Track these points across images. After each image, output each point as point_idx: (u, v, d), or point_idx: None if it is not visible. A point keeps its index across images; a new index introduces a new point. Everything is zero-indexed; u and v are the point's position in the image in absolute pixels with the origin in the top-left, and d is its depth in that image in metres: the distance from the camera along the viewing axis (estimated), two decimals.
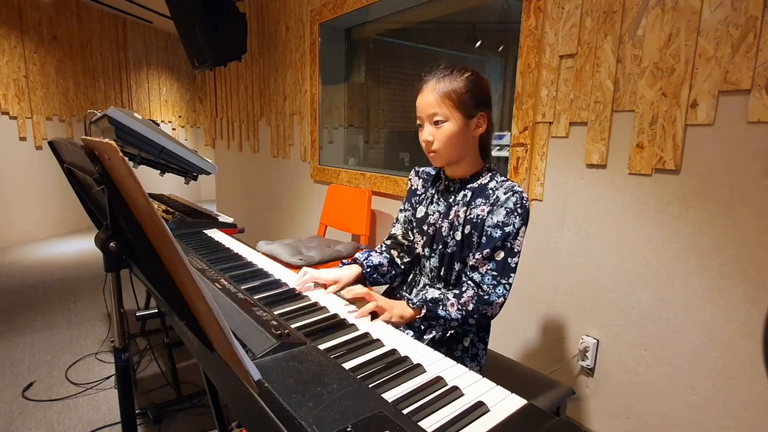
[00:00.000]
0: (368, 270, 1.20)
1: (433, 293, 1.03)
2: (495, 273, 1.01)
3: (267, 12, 3.41)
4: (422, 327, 1.04)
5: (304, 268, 1.16)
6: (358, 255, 1.23)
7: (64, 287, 3.25)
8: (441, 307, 1.00)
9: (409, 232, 1.25)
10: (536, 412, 0.63)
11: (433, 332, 1.10)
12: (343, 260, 1.25)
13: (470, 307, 0.99)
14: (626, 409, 1.52)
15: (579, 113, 1.54)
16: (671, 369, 1.39)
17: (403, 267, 1.25)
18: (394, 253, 1.25)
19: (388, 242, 1.27)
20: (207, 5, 2.91)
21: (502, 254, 1.01)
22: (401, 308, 1.01)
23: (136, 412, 1.77)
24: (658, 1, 1.32)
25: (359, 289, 1.00)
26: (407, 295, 1.21)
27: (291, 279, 1.17)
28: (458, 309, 0.99)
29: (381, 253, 1.25)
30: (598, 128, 1.49)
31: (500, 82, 2.22)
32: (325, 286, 1.13)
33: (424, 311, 1.00)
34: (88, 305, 2.91)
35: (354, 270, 1.18)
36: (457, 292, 1.02)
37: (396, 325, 1.01)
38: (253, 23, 3.54)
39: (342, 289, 1.11)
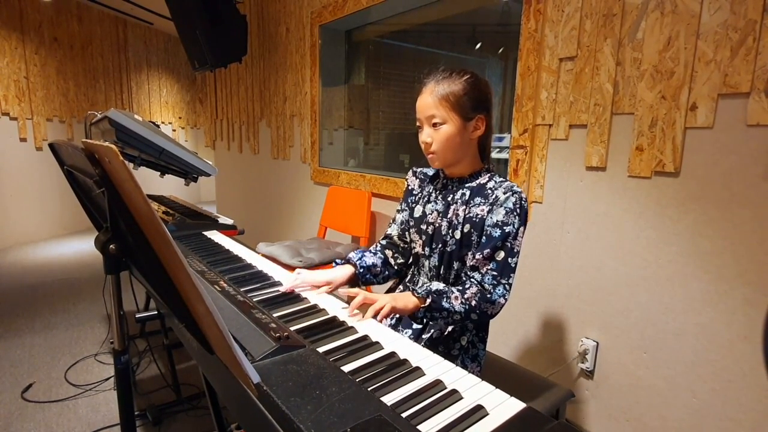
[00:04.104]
0: (361, 270, 1.19)
1: (437, 285, 1.03)
2: (495, 273, 1.02)
3: (267, 14, 3.42)
4: (425, 318, 1.04)
5: (297, 270, 1.17)
6: (351, 255, 1.22)
7: (64, 288, 3.25)
8: (445, 299, 1.00)
9: (406, 233, 1.25)
10: (535, 416, 0.63)
11: (432, 331, 1.10)
12: (337, 260, 1.24)
13: (473, 303, 1.00)
14: (626, 411, 1.52)
15: (579, 116, 1.54)
16: (670, 372, 1.39)
17: (396, 268, 1.25)
18: (389, 253, 1.25)
19: (384, 242, 1.27)
20: (208, 7, 2.92)
21: (502, 254, 1.02)
22: (405, 297, 1.01)
23: (136, 413, 1.77)
24: (657, 5, 1.32)
25: (359, 299, 1.00)
26: (411, 286, 1.22)
27: (291, 281, 1.17)
28: (462, 303, 1.00)
29: (375, 254, 1.25)
30: (597, 131, 1.49)
31: (500, 84, 2.22)
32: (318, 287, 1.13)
33: (428, 301, 1.00)
34: (88, 306, 2.91)
35: (347, 270, 1.18)
36: (460, 288, 1.03)
37: (400, 314, 1.01)
38: (253, 25, 3.54)
39: (334, 290, 1.13)
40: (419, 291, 1.02)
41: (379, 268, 1.23)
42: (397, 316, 1.17)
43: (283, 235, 3.56)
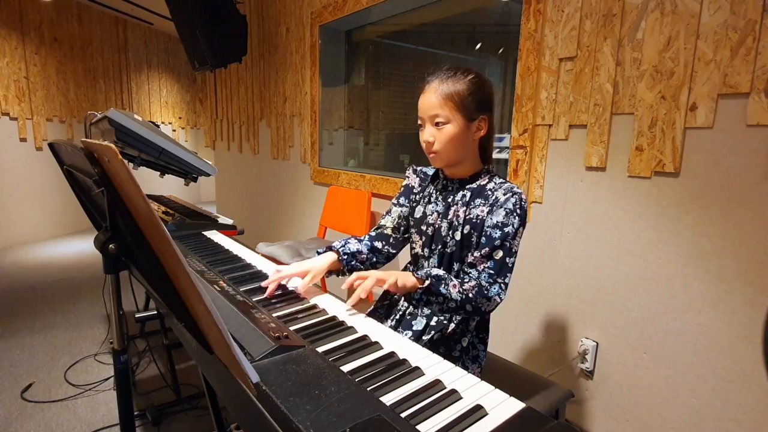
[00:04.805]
0: (345, 257, 1.17)
1: (438, 271, 1.02)
2: (492, 271, 1.02)
3: (267, 14, 3.42)
4: (421, 301, 1.02)
5: (278, 267, 1.16)
6: (335, 243, 1.21)
7: (64, 288, 3.25)
8: (443, 285, 0.99)
9: (401, 228, 1.24)
10: (535, 416, 0.63)
11: (432, 332, 1.10)
12: (318, 250, 1.21)
13: (470, 294, 0.99)
14: (625, 411, 1.51)
15: (578, 116, 1.54)
16: (670, 372, 1.39)
17: (385, 253, 1.24)
18: (378, 245, 1.24)
19: (373, 233, 1.26)
20: (208, 7, 2.92)
21: (500, 253, 1.02)
22: (404, 277, 1.00)
23: (135, 413, 1.77)
24: (657, 5, 1.32)
25: (350, 278, 1.00)
26: (411, 267, 1.23)
27: (271, 277, 1.16)
28: (459, 292, 0.99)
29: (361, 241, 1.24)
30: (597, 131, 1.49)
31: (500, 84, 2.22)
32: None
33: (427, 282, 0.99)
34: (88, 306, 2.91)
35: (327, 258, 1.16)
36: (459, 280, 1.03)
37: (397, 293, 1.00)
38: (253, 25, 3.54)
39: (314, 280, 1.11)
40: (419, 273, 1.02)
41: (365, 255, 1.21)
42: (397, 317, 1.16)
43: (283, 235, 3.56)
